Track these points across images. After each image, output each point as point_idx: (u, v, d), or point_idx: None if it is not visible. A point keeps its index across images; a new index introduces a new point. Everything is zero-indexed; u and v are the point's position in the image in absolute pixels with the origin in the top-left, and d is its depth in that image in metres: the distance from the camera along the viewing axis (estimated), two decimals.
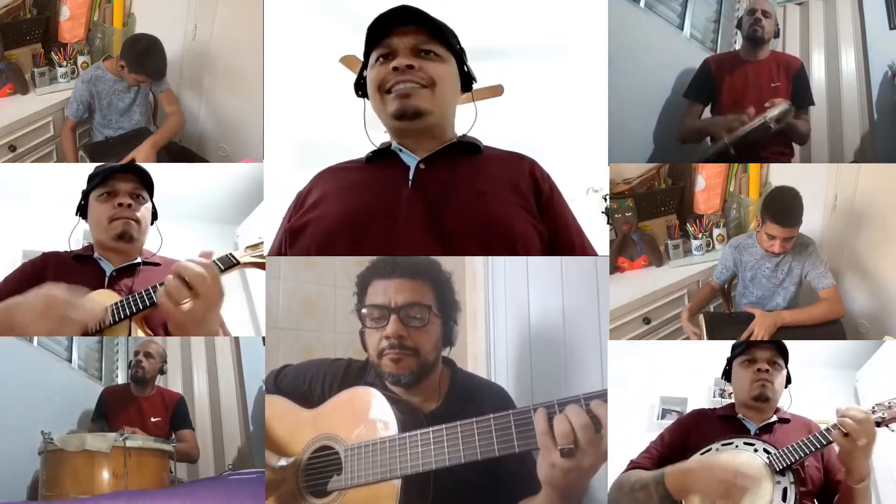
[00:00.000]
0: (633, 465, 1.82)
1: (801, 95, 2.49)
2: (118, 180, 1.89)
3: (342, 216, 1.46)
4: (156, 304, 1.63)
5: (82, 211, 1.95)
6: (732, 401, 1.94)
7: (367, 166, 1.57)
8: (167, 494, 2.02)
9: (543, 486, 1.23)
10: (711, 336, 2.35)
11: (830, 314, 2.32)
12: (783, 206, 2.33)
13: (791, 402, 1.88)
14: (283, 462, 1.49)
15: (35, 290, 1.60)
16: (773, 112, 2.35)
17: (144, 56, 2.56)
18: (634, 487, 1.68)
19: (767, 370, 1.83)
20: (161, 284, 1.61)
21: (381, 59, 1.50)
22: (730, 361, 1.93)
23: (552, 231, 1.52)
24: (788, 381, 1.88)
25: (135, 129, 2.62)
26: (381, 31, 1.49)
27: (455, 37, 1.54)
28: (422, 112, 1.47)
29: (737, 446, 1.71)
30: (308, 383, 1.61)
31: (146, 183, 1.93)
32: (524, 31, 2.98)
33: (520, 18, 2.95)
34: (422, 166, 1.50)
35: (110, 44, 2.66)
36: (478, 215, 1.44)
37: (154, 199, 1.97)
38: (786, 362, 1.88)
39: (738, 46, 2.66)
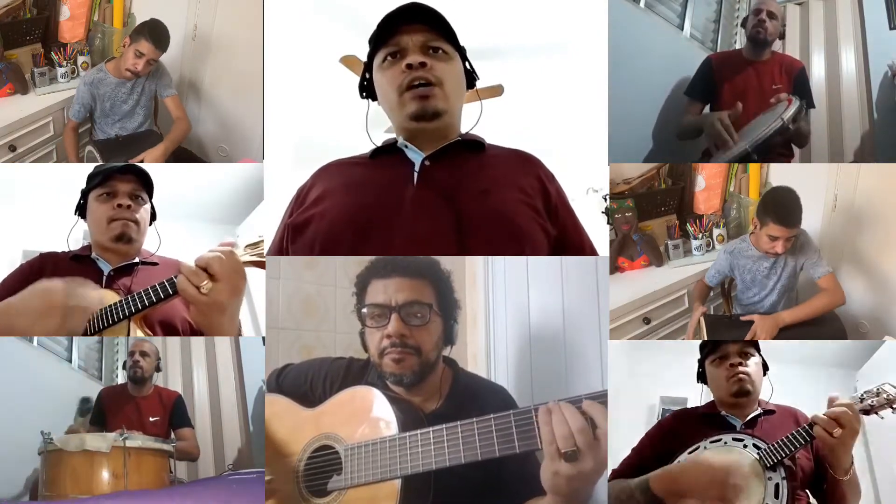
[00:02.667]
0: (615, 475, 1.80)
1: (801, 97, 2.48)
2: (118, 181, 1.89)
3: (346, 212, 1.46)
4: (154, 304, 1.64)
5: (81, 210, 1.95)
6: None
7: (371, 162, 1.57)
8: (167, 494, 2.02)
9: (549, 495, 1.23)
10: (712, 338, 2.34)
11: (831, 304, 2.30)
12: (785, 207, 2.33)
13: (773, 391, 1.85)
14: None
15: (30, 287, 1.59)
16: (790, 112, 2.33)
17: (152, 24, 2.57)
18: (620, 497, 1.66)
19: (741, 363, 1.81)
20: (169, 280, 1.61)
21: (388, 57, 1.50)
22: (701, 363, 1.91)
23: (561, 233, 1.52)
24: (766, 369, 1.85)
25: (143, 131, 2.63)
26: (389, 29, 1.49)
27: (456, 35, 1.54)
28: (440, 112, 1.47)
29: (725, 442, 1.69)
30: (309, 382, 1.61)
31: (146, 183, 1.93)
32: (524, 30, 2.98)
33: (520, 18, 2.95)
34: (427, 163, 1.50)
35: (110, 44, 2.66)
36: (485, 213, 1.44)
37: (154, 200, 1.97)
38: (757, 350, 1.85)
39: (737, 46, 2.66)
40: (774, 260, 2.37)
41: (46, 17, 2.63)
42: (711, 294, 2.58)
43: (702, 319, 2.43)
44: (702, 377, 1.92)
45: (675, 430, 1.83)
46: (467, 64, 1.57)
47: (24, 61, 2.62)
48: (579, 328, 2.00)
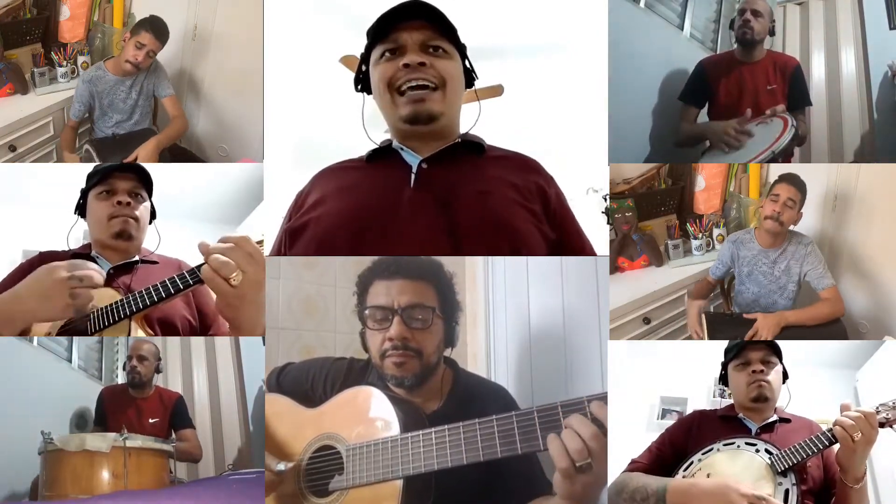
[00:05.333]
0: (634, 464, 1.82)
1: (798, 96, 2.48)
2: (117, 179, 1.89)
3: (342, 216, 1.46)
4: (156, 303, 1.63)
5: (81, 210, 1.95)
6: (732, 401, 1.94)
7: (367, 165, 1.56)
8: (167, 494, 2.02)
9: (559, 499, 1.23)
10: (713, 336, 2.35)
11: (832, 314, 2.32)
12: (793, 174, 2.37)
13: (790, 398, 1.88)
14: (281, 466, 1.49)
15: (33, 272, 1.57)
16: (783, 144, 2.33)
17: (153, 18, 2.58)
18: (634, 498, 1.66)
19: (762, 370, 1.84)
20: (171, 279, 1.59)
21: (386, 53, 1.49)
22: (724, 366, 1.93)
23: (559, 236, 1.52)
24: (785, 377, 1.88)
25: (141, 129, 2.62)
26: (388, 24, 1.48)
27: (457, 32, 1.54)
28: (435, 116, 1.47)
29: (738, 446, 1.71)
30: (310, 382, 1.61)
31: (145, 181, 1.94)
32: (524, 30, 2.98)
33: (520, 18, 2.95)
34: (424, 166, 1.49)
35: (110, 44, 2.66)
36: (482, 215, 1.43)
37: (154, 199, 1.97)
38: (780, 359, 1.88)
39: (736, 46, 2.66)
40: (775, 259, 2.37)
41: (46, 17, 2.63)
42: (711, 294, 2.58)
43: (703, 317, 2.42)
44: (723, 379, 1.95)
45: (694, 429, 1.86)
46: (467, 62, 1.57)
47: (24, 61, 2.62)
48: (579, 328, 2.00)
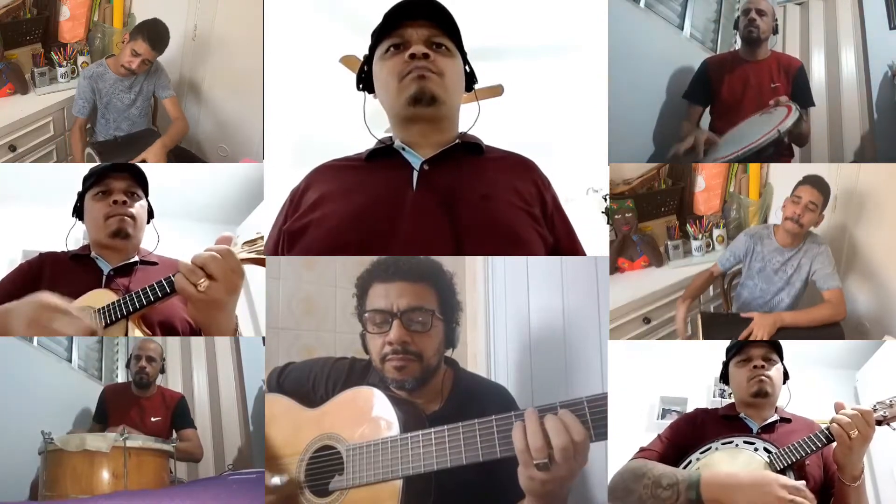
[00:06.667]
0: (645, 452, 1.82)
1: (801, 96, 2.49)
2: (113, 179, 1.90)
3: (345, 218, 1.45)
4: (152, 303, 1.63)
5: (78, 212, 1.95)
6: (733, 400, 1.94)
7: (367, 164, 1.55)
8: (167, 494, 2.02)
9: (526, 495, 1.24)
10: (707, 337, 2.35)
11: (832, 317, 2.32)
12: (817, 176, 2.38)
13: (790, 398, 1.88)
14: (276, 480, 1.49)
15: (27, 298, 1.57)
16: (788, 124, 2.33)
17: (152, 24, 2.58)
18: (660, 483, 1.63)
19: (763, 366, 1.84)
20: (167, 279, 1.60)
21: (391, 48, 1.49)
22: (725, 364, 1.94)
23: (556, 239, 1.53)
24: (786, 377, 1.88)
25: (142, 130, 2.63)
26: (393, 22, 1.49)
27: (461, 34, 1.54)
28: (437, 98, 1.46)
29: (737, 445, 1.70)
30: (312, 382, 1.60)
31: (140, 181, 1.94)
32: (525, 31, 2.98)
33: (520, 18, 2.95)
34: (426, 167, 1.49)
35: (110, 44, 2.66)
36: (485, 220, 1.43)
37: (154, 200, 1.98)
38: (780, 357, 1.88)
39: (738, 46, 2.66)
40: (788, 258, 2.37)
41: (46, 17, 2.63)
42: (707, 289, 2.58)
43: (698, 318, 2.42)
44: (724, 377, 1.95)
45: (697, 426, 1.86)
46: (467, 67, 1.57)
47: (24, 61, 2.62)
48: (579, 328, 2.00)
